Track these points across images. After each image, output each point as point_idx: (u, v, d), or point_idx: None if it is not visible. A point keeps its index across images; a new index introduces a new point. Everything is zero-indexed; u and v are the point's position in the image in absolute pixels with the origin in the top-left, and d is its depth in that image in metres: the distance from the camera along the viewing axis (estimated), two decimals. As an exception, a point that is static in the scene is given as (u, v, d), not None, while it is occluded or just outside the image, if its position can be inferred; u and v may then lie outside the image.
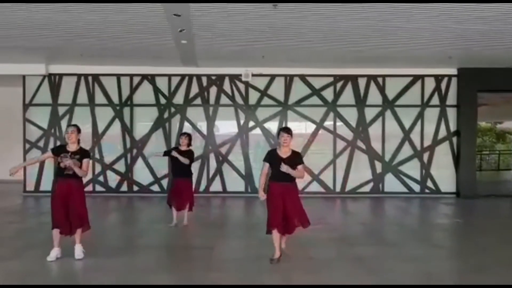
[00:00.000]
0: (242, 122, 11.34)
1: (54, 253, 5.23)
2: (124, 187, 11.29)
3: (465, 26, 7.37)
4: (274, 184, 5.19)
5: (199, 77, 11.25)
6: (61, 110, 11.27)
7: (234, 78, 11.23)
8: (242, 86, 11.26)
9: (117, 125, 11.31)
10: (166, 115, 11.30)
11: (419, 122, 11.33)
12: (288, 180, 5.15)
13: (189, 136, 7.32)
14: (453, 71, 11.21)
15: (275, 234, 5.15)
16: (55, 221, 5.21)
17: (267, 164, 5.25)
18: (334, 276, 4.75)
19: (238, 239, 6.64)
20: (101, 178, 11.28)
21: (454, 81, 11.27)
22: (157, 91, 11.27)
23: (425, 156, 11.36)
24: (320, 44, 8.67)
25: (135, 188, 11.28)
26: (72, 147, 5.25)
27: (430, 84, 11.30)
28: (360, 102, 11.29)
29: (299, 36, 8.13)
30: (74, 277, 4.63)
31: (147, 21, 7.22)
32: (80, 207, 5.28)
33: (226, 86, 11.28)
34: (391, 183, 11.32)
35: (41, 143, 11.27)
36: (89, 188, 11.25)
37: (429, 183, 11.37)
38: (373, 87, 11.30)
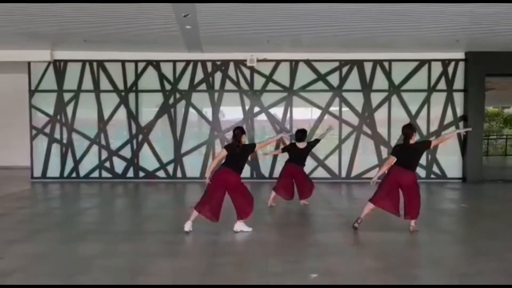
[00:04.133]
0: (247, 107, 11.30)
1: (240, 226, 6.00)
2: (131, 173, 11.35)
3: (472, 8, 7.24)
4: None
5: (204, 62, 11.19)
6: (67, 96, 11.28)
7: (239, 63, 11.16)
8: (247, 72, 11.20)
9: (122, 111, 11.32)
10: (171, 101, 11.29)
11: (425, 107, 11.24)
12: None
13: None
14: (460, 55, 11.08)
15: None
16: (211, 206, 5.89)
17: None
18: (340, 261, 4.76)
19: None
20: (107, 164, 11.33)
21: (461, 65, 11.14)
22: (162, 77, 11.24)
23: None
24: (325, 28, 8.58)
25: (141, 174, 11.34)
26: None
27: (437, 68, 11.18)
28: (366, 87, 11.21)
29: (304, 20, 8.03)
30: (83, 262, 4.67)
31: (151, 6, 7.15)
32: None
33: (231, 71, 11.22)
34: (397, 169, 11.27)
35: (47, 129, 11.32)
36: (95, 174, 11.35)
37: (435, 169, 11.33)
38: (379, 72, 11.20)
